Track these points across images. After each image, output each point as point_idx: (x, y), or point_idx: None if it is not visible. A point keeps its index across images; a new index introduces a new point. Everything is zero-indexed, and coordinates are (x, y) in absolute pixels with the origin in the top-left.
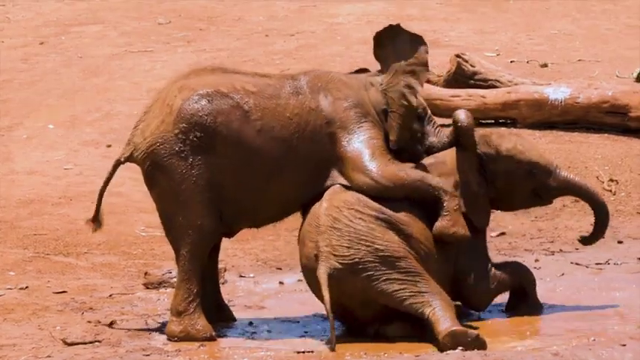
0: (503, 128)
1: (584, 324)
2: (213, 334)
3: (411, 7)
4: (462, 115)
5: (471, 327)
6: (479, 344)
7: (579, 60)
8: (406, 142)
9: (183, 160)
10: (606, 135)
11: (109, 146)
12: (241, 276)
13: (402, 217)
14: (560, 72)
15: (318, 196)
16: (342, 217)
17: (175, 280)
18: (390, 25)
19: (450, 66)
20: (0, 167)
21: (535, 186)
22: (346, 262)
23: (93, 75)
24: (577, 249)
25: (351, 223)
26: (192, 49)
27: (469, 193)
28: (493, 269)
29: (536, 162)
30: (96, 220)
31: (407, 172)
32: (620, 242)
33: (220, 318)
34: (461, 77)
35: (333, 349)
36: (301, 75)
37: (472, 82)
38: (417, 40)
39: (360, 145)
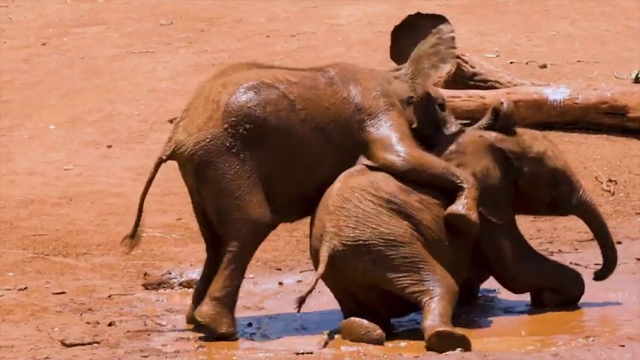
0: (537, 131)
1: (583, 324)
2: (235, 334)
3: (412, 9)
4: (506, 103)
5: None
6: (464, 345)
7: (578, 61)
8: (429, 130)
9: (235, 155)
10: (605, 136)
11: (110, 147)
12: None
13: (415, 203)
14: (559, 73)
15: None
16: (352, 197)
17: (175, 280)
18: (408, 16)
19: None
20: (0, 167)
21: (555, 196)
22: (350, 242)
23: (94, 76)
24: (576, 249)
25: (360, 205)
26: (193, 50)
27: (490, 186)
28: (539, 261)
29: (563, 172)
30: (135, 236)
31: (433, 158)
32: (618, 243)
33: None
34: (461, 78)
35: (298, 309)
36: (329, 67)
37: (472, 83)
38: (437, 21)
39: (389, 129)
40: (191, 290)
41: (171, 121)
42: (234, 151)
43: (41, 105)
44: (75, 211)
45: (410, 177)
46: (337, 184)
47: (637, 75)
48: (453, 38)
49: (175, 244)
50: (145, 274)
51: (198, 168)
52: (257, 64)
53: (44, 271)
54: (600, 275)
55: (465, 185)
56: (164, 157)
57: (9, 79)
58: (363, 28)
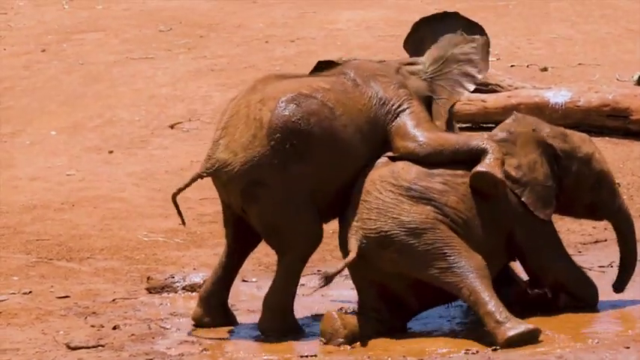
0: (585, 134)
1: (587, 326)
2: (302, 330)
3: (411, 13)
4: None
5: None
6: (536, 336)
7: (579, 64)
8: (453, 130)
9: (284, 171)
10: (607, 138)
11: (111, 152)
12: (244, 280)
13: (437, 185)
14: (560, 76)
15: None
16: (373, 189)
17: (178, 284)
18: (445, 12)
19: None
20: (3, 173)
21: (595, 200)
22: (373, 235)
23: (94, 82)
24: (580, 252)
25: (380, 196)
26: (192, 55)
27: (536, 180)
28: (569, 262)
29: (607, 177)
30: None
31: (450, 135)
32: None
33: (223, 322)
34: None
35: (322, 286)
36: (346, 69)
37: None
38: (474, 29)
39: (407, 117)
40: (195, 294)
41: (172, 127)
42: (282, 167)
43: (42, 111)
44: (78, 216)
45: (433, 160)
46: (360, 179)
47: (639, 77)
48: (489, 51)
49: (178, 248)
50: (149, 278)
51: (247, 187)
52: (283, 74)
53: (48, 276)
54: (617, 287)
55: (487, 147)
56: (204, 175)
57: (9, 85)
58: (362, 33)
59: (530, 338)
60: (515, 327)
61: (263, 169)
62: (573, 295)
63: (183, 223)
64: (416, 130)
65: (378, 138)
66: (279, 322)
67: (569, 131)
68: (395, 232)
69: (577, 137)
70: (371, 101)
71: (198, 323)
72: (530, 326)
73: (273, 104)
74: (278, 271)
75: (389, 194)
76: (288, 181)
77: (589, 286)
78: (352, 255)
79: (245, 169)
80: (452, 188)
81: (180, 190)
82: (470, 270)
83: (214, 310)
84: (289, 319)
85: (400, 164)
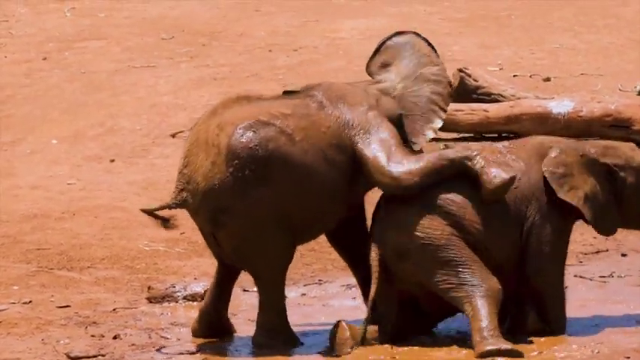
0: (631, 143)
1: (587, 336)
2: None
3: (414, 22)
4: None
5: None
6: (514, 357)
7: (582, 74)
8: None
9: (246, 197)
10: None
11: (112, 161)
12: (245, 290)
13: (454, 198)
14: (563, 86)
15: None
16: (395, 202)
17: (179, 294)
18: (407, 32)
19: (453, 80)
20: (3, 182)
21: None
22: (393, 249)
23: (96, 90)
24: (581, 262)
25: (401, 208)
26: (195, 64)
27: (599, 204)
28: (562, 279)
29: None
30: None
31: (425, 157)
32: (624, 255)
33: (220, 333)
34: (464, 91)
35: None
36: (314, 91)
37: (475, 96)
38: (435, 52)
39: (377, 146)
40: (196, 303)
41: (173, 136)
42: (243, 193)
43: (43, 119)
44: (78, 225)
45: (417, 189)
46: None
47: None
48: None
49: (179, 257)
50: (149, 288)
51: (212, 215)
52: (246, 96)
53: (48, 285)
54: None
55: (466, 163)
56: (173, 205)
57: (10, 93)
58: (365, 41)
59: (509, 357)
60: (495, 343)
61: (225, 196)
62: (545, 314)
63: (167, 220)
64: (389, 163)
65: (345, 160)
66: (273, 338)
67: (615, 143)
68: (411, 247)
69: (626, 147)
70: (337, 124)
71: (198, 335)
72: (511, 346)
73: (231, 130)
74: (259, 294)
75: (407, 208)
76: (250, 207)
77: (563, 315)
78: (373, 289)
79: (208, 197)
80: (468, 200)
81: (147, 212)
82: (480, 290)
83: (214, 326)
84: (283, 334)
85: None
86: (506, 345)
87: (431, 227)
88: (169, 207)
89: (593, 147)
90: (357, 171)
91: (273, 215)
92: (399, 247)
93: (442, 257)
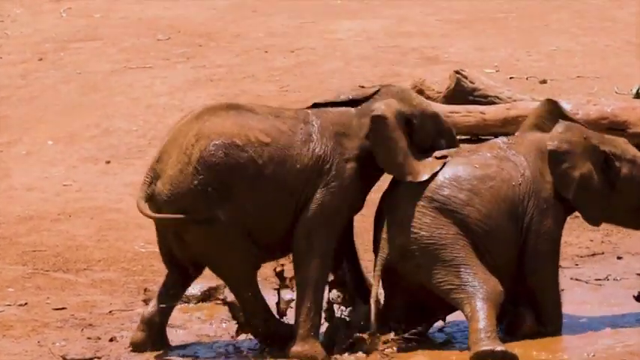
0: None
1: (583, 340)
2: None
3: (410, 24)
4: None
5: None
6: (509, 357)
7: (578, 76)
8: None
9: (208, 210)
10: None
11: (108, 162)
12: None
13: (460, 196)
14: (559, 88)
15: None
16: (401, 202)
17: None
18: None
19: (449, 82)
20: None
21: None
22: (396, 248)
23: (92, 91)
24: (577, 265)
25: (406, 208)
26: (191, 65)
27: (593, 190)
28: (556, 284)
29: None
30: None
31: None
32: (619, 258)
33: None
34: (460, 93)
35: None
36: (314, 117)
37: (471, 98)
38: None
39: (321, 216)
40: (192, 305)
41: None
42: (206, 206)
43: (39, 120)
44: (74, 226)
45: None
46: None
47: (637, 90)
48: None
49: None
50: (146, 290)
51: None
52: (237, 106)
53: (44, 287)
54: None
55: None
56: (145, 199)
57: (6, 94)
58: (363, 43)
59: (503, 359)
60: (490, 344)
61: (188, 204)
62: (540, 315)
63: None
64: (313, 235)
65: (311, 203)
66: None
67: (613, 137)
68: (414, 247)
69: (621, 140)
70: (317, 163)
71: (138, 348)
72: (505, 348)
73: (204, 145)
74: (235, 297)
75: (412, 207)
76: (212, 217)
77: (558, 316)
78: (374, 292)
79: (172, 200)
80: (476, 195)
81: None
82: (480, 292)
83: (155, 336)
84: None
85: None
86: (501, 347)
87: (436, 226)
88: (143, 199)
89: (595, 135)
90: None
91: (234, 228)
92: (402, 246)
93: (445, 257)
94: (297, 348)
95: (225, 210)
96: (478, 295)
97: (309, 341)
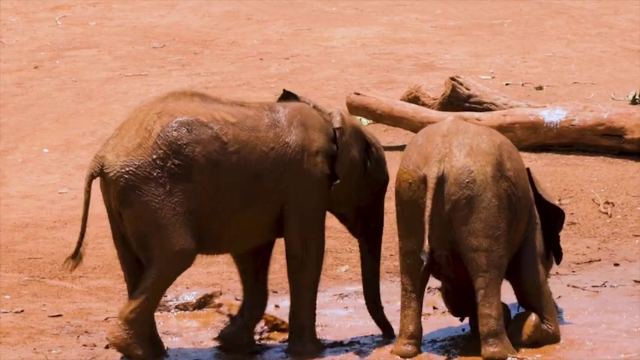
0: None
1: (580, 346)
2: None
3: (406, 31)
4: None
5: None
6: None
7: (574, 82)
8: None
9: (161, 185)
10: (602, 157)
11: None
12: (237, 299)
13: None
14: (555, 94)
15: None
16: (467, 129)
17: (171, 303)
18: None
19: (445, 89)
20: None
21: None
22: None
23: (87, 99)
24: (573, 272)
25: (474, 136)
26: (186, 72)
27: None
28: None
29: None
30: (77, 256)
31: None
32: (616, 265)
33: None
34: (456, 100)
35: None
36: (281, 106)
37: (467, 104)
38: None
39: (300, 199)
40: (188, 312)
41: None
42: (160, 181)
43: (34, 128)
44: (70, 234)
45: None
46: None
47: (634, 96)
48: None
49: None
50: None
51: (122, 191)
52: (202, 95)
53: (40, 294)
54: None
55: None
56: (94, 174)
57: (2, 102)
58: (357, 50)
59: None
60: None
61: (141, 178)
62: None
63: (80, 241)
64: (299, 229)
65: (278, 189)
66: (128, 335)
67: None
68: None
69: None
70: (284, 148)
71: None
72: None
73: (167, 121)
74: (141, 285)
75: (484, 138)
76: (163, 195)
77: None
78: (430, 194)
79: (124, 172)
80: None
81: (87, 201)
82: (498, 268)
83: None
84: (140, 334)
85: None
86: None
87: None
88: (92, 177)
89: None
90: (281, 206)
91: (186, 209)
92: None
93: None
94: (300, 348)
95: (180, 188)
96: (493, 275)
97: (315, 341)
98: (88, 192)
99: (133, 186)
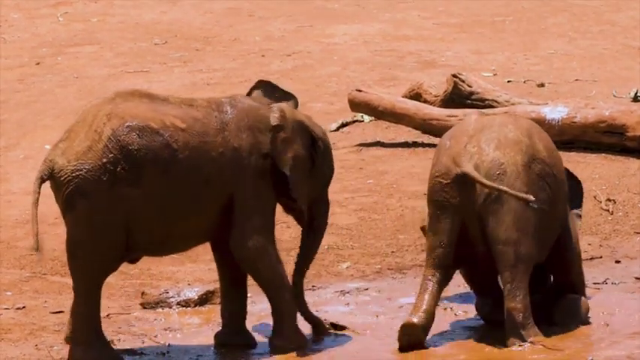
0: None
1: (581, 344)
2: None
3: (408, 28)
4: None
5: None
6: None
7: (576, 80)
8: None
9: (109, 190)
10: (603, 155)
11: None
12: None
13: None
14: (557, 92)
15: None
16: (494, 123)
17: (172, 299)
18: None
19: (447, 86)
20: None
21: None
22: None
23: (89, 95)
24: None
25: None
26: (188, 69)
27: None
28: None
29: None
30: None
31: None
32: (617, 262)
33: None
34: (457, 97)
35: None
36: (228, 106)
37: (469, 102)
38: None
39: (249, 201)
40: (189, 309)
41: None
42: (109, 185)
43: (36, 125)
44: None
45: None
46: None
47: (635, 93)
48: None
49: (172, 263)
50: (143, 294)
51: (69, 194)
52: (150, 95)
53: (42, 291)
54: None
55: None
56: (44, 177)
57: (3, 99)
58: (359, 47)
59: None
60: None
61: (89, 182)
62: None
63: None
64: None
65: (224, 198)
66: (84, 351)
67: None
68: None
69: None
70: (233, 153)
71: None
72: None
73: (117, 124)
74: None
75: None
76: (109, 200)
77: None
78: (475, 175)
79: (73, 176)
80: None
81: (35, 202)
82: (524, 260)
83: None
84: (95, 347)
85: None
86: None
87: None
88: (42, 180)
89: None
90: (231, 208)
91: (127, 216)
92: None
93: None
94: (282, 343)
95: (129, 194)
96: (520, 267)
97: (298, 334)
98: (37, 194)
99: (81, 190)
